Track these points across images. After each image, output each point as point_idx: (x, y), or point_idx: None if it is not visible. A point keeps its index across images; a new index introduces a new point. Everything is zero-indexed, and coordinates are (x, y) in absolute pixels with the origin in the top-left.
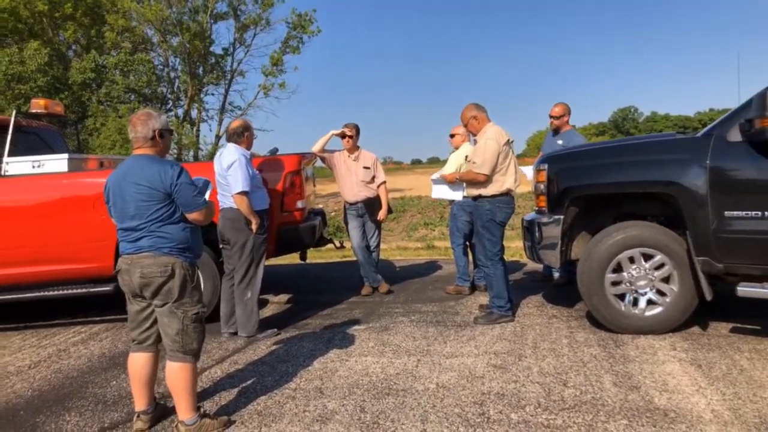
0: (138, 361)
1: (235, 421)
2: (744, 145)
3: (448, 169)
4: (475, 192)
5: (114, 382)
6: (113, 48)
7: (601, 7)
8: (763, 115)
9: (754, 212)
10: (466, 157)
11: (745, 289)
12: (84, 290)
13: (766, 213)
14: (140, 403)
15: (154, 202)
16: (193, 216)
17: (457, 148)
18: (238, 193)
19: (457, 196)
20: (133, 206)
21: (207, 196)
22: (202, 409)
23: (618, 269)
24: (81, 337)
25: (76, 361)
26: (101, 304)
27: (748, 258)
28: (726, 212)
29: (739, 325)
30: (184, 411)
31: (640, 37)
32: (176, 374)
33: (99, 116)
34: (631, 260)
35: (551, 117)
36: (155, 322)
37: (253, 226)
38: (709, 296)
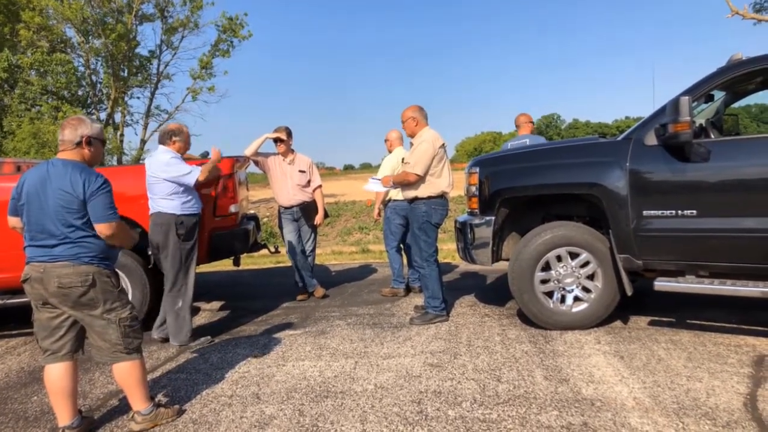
0: (55, 373)
1: (186, 410)
2: (659, 149)
3: (383, 172)
4: (411, 194)
5: (35, 398)
6: (29, 47)
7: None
8: (676, 120)
9: (669, 211)
10: (403, 159)
11: (661, 284)
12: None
13: (679, 212)
14: (63, 417)
15: (74, 210)
16: (100, 228)
17: (390, 151)
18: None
19: (390, 189)
20: (53, 211)
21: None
22: (156, 399)
23: (546, 268)
24: None
25: None
26: (18, 316)
27: (664, 254)
28: (644, 212)
29: (656, 318)
30: (138, 402)
31: (566, 47)
32: (126, 373)
33: (16, 116)
34: (559, 259)
35: None
36: (69, 329)
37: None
38: (629, 291)
